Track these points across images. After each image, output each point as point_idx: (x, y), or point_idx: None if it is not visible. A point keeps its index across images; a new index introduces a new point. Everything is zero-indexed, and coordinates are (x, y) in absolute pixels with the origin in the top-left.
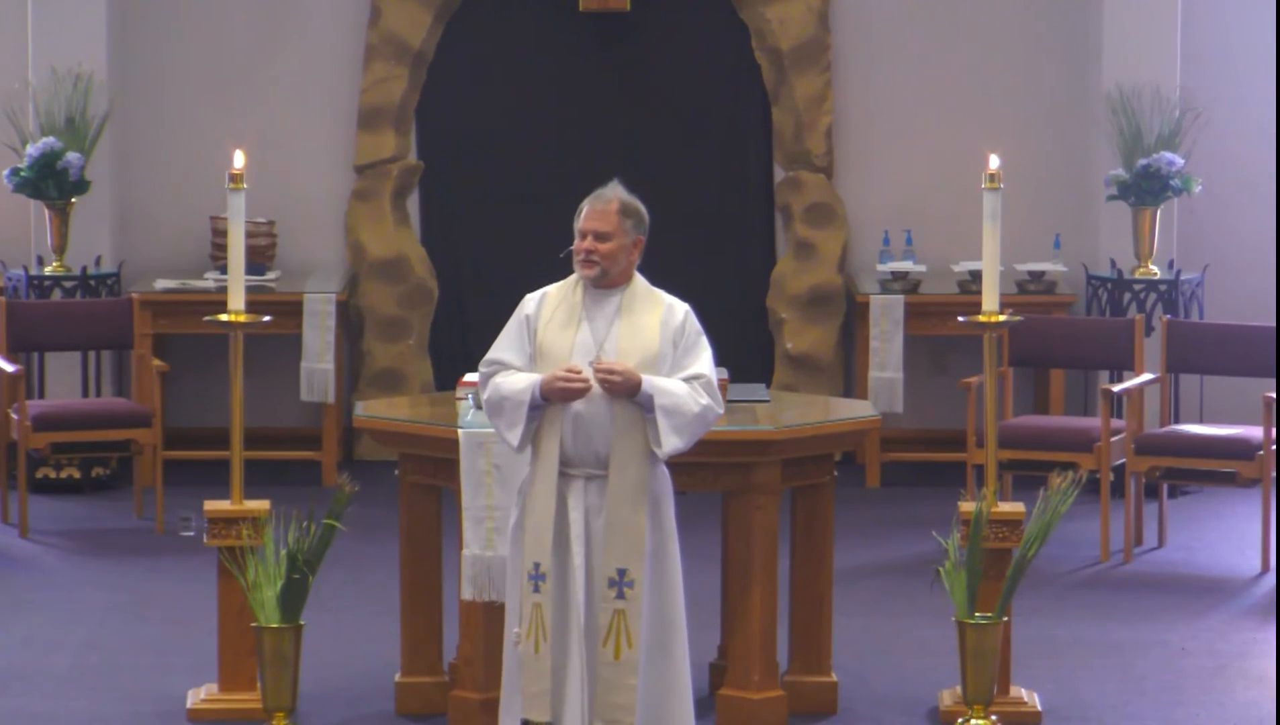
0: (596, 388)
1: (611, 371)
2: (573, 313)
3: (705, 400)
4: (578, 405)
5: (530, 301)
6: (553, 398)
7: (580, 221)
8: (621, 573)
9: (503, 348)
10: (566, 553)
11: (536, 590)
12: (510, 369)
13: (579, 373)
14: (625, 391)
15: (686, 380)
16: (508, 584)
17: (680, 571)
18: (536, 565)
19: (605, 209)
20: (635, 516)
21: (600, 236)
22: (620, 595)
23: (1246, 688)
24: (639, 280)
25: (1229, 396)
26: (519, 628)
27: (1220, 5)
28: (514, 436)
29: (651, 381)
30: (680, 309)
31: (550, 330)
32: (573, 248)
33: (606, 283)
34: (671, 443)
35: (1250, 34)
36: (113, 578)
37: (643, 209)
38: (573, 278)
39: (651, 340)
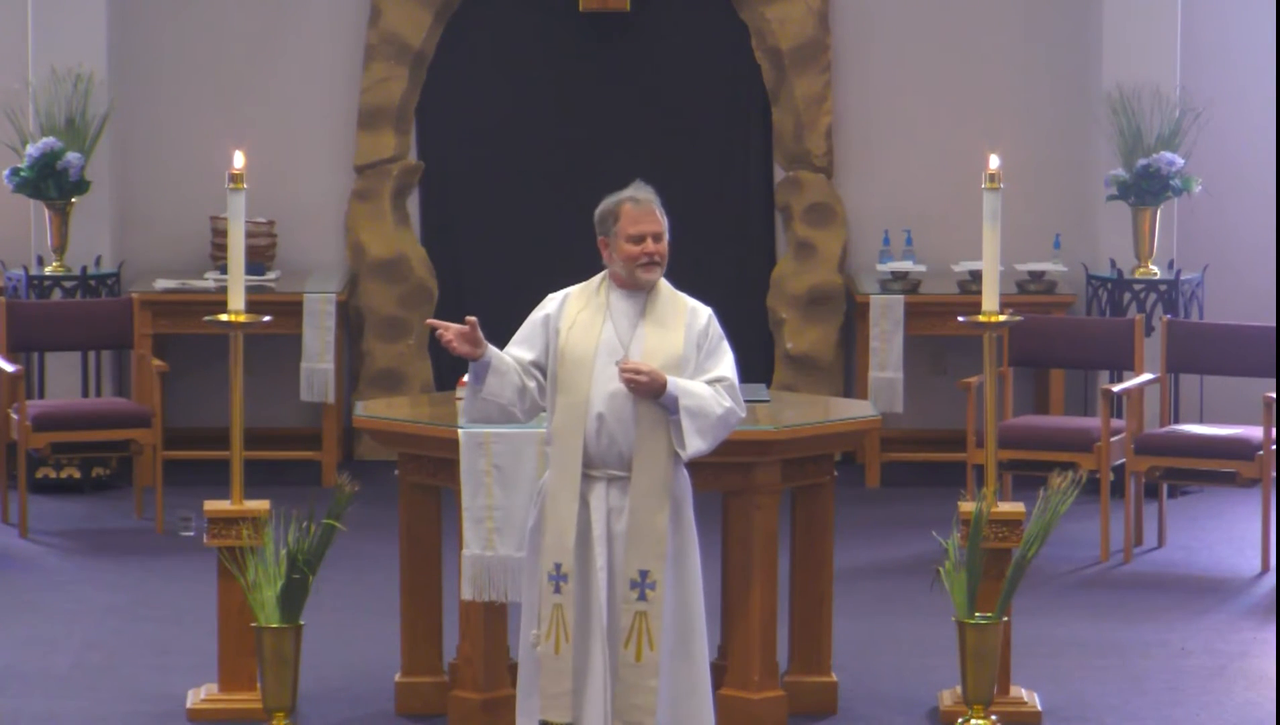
0: (620, 387)
1: (638, 372)
2: (598, 313)
3: (728, 403)
4: (601, 406)
5: (552, 301)
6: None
7: (628, 225)
8: (644, 574)
9: (513, 342)
10: (588, 554)
11: (558, 591)
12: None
13: (473, 321)
14: (650, 392)
15: (709, 383)
16: (524, 585)
17: (700, 574)
18: (558, 566)
19: (652, 210)
20: (657, 518)
21: (657, 237)
22: (642, 597)
23: (1246, 688)
24: (663, 282)
25: (1229, 396)
26: (538, 628)
27: (1220, 5)
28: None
29: (676, 383)
30: (704, 312)
31: (574, 331)
32: (614, 255)
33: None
34: (695, 444)
35: (1250, 34)
36: (113, 578)
37: None
38: (596, 279)
39: (676, 342)
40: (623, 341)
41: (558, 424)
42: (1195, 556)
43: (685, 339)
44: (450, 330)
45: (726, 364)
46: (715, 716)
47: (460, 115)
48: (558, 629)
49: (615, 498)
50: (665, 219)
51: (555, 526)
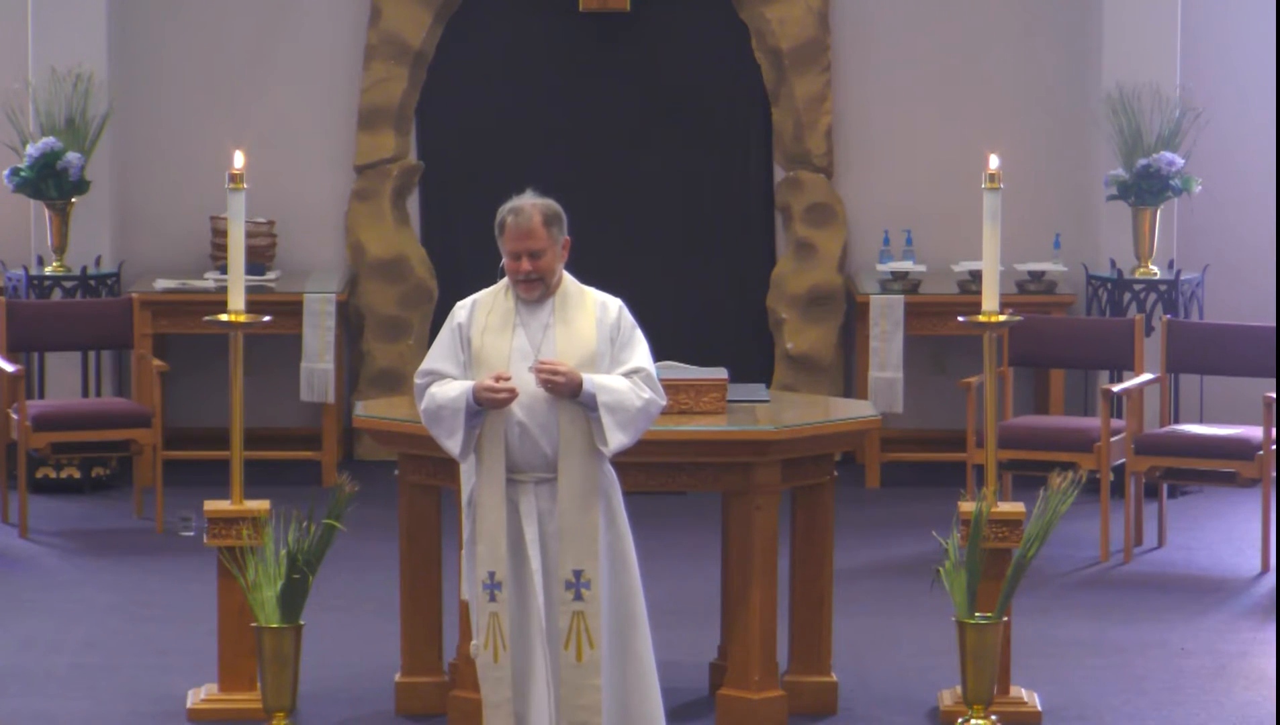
0: (538, 390)
1: (555, 372)
2: (506, 318)
3: (647, 394)
4: (519, 411)
5: (461, 310)
6: (483, 405)
7: (506, 242)
8: (578, 574)
9: (436, 358)
10: (522, 559)
11: (493, 599)
12: (446, 378)
13: (507, 377)
14: (567, 392)
15: (626, 375)
16: (469, 594)
17: (637, 566)
18: (491, 574)
19: (530, 226)
20: (588, 517)
21: (534, 255)
22: (578, 597)
23: (1246, 688)
24: (568, 280)
25: (1229, 396)
26: (477, 638)
27: (1220, 5)
28: (454, 444)
29: (592, 380)
30: (614, 305)
31: (486, 338)
32: (504, 266)
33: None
34: (617, 439)
35: (1250, 34)
36: (113, 578)
37: (559, 209)
38: (502, 283)
39: (588, 339)
40: (534, 345)
41: (479, 432)
42: (1195, 556)
43: (597, 335)
44: (508, 396)
45: (641, 353)
46: (713, 717)
47: (460, 115)
48: (495, 638)
49: (544, 500)
50: (553, 228)
51: (486, 534)
